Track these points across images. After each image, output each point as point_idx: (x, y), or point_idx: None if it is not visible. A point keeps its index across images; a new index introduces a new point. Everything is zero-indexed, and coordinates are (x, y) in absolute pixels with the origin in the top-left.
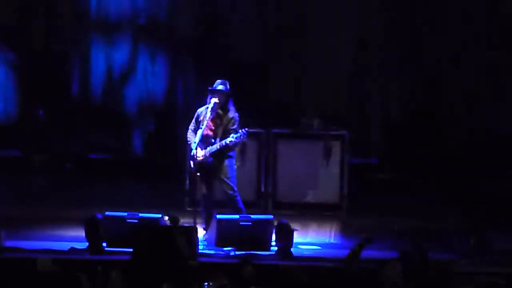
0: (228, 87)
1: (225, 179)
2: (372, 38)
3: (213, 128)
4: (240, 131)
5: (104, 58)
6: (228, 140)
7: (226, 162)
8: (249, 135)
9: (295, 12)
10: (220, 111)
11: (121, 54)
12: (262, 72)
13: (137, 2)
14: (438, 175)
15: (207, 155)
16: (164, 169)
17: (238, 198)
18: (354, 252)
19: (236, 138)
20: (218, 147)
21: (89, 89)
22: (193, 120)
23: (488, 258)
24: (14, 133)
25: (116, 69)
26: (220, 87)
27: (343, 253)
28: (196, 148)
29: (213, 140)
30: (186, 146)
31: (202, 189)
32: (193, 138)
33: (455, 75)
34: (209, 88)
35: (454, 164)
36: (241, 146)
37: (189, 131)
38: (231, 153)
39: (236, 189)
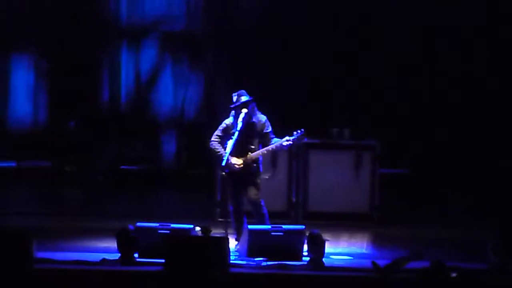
0: (247, 94)
1: (256, 183)
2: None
3: (246, 137)
4: (295, 132)
5: (133, 67)
6: (284, 142)
7: (260, 167)
8: None
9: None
10: (254, 119)
11: (150, 64)
12: (291, 81)
13: (169, 9)
14: (471, 184)
15: (250, 162)
16: (195, 179)
17: (263, 202)
18: (397, 263)
19: (292, 139)
20: (270, 149)
21: (119, 99)
22: (219, 131)
23: None
24: (46, 144)
25: (145, 79)
26: (243, 98)
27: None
28: (228, 159)
29: (252, 147)
30: (216, 156)
31: (233, 200)
32: (222, 149)
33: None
34: (231, 106)
35: (490, 174)
36: (272, 156)
37: (215, 141)
38: (260, 158)
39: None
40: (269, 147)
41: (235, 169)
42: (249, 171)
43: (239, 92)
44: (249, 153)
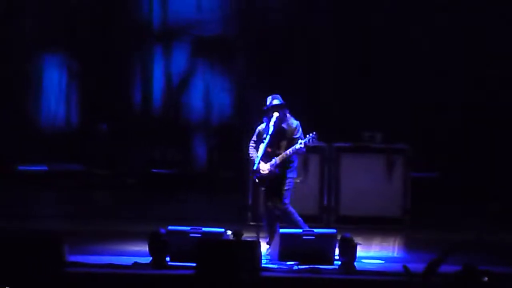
0: (281, 99)
1: (280, 190)
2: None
3: (276, 142)
4: (308, 135)
5: (165, 71)
6: (297, 146)
7: (288, 174)
8: (311, 149)
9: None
10: (284, 125)
11: (182, 67)
12: (324, 84)
13: (201, 13)
14: (502, 187)
15: (273, 167)
16: (227, 183)
17: (290, 209)
18: (432, 266)
19: (305, 142)
20: (288, 153)
21: (151, 102)
22: (254, 137)
23: None
24: (77, 146)
25: (177, 83)
26: (275, 101)
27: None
28: (259, 163)
29: (278, 152)
30: (248, 161)
31: (266, 203)
32: (255, 153)
33: None
34: (264, 108)
35: None
36: (304, 160)
37: (251, 147)
38: (292, 165)
39: (287, 201)
40: (285, 152)
41: (261, 175)
42: (273, 178)
43: (273, 95)
44: (273, 158)
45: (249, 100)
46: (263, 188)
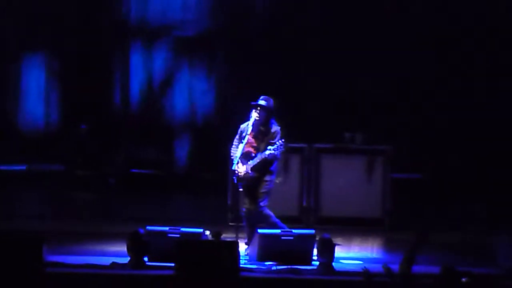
0: (271, 103)
1: (257, 192)
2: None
3: (254, 143)
4: (277, 142)
5: (146, 71)
6: (266, 152)
7: (266, 177)
8: (292, 150)
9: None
10: (262, 128)
11: (163, 67)
12: (305, 85)
13: (182, 13)
14: (483, 189)
15: (248, 169)
16: (206, 184)
17: (267, 212)
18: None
19: (274, 149)
20: (258, 160)
21: (131, 102)
22: (237, 136)
23: None
24: (57, 147)
25: (158, 83)
26: (262, 102)
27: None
28: (237, 163)
29: (253, 155)
30: (229, 161)
31: (244, 204)
32: (236, 153)
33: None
34: (251, 102)
35: (502, 180)
36: (284, 161)
37: (233, 146)
38: (272, 168)
39: (263, 204)
40: (256, 159)
41: (238, 175)
42: (249, 180)
43: (265, 96)
44: (250, 160)
45: (231, 101)
46: (240, 189)
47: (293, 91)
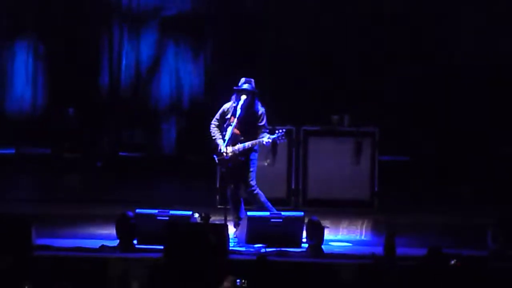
0: (253, 85)
1: (246, 174)
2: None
3: (241, 126)
4: (277, 131)
5: (134, 53)
6: (264, 140)
7: (251, 156)
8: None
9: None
10: (248, 110)
11: (151, 49)
12: (292, 68)
13: None
14: (471, 171)
15: (237, 152)
16: (194, 166)
17: (257, 191)
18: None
19: (273, 138)
20: (250, 145)
21: (119, 85)
22: (218, 115)
23: None
24: (45, 130)
25: (146, 65)
26: (245, 85)
27: (373, 250)
28: (227, 145)
29: (242, 138)
30: (211, 142)
31: (230, 186)
32: (218, 134)
33: None
34: (235, 87)
35: (490, 161)
36: (272, 143)
37: (213, 125)
38: (256, 147)
39: (253, 183)
40: (250, 142)
41: (225, 157)
42: (237, 163)
43: (246, 79)
44: (238, 143)
45: (219, 82)
46: (223, 170)
47: (281, 73)
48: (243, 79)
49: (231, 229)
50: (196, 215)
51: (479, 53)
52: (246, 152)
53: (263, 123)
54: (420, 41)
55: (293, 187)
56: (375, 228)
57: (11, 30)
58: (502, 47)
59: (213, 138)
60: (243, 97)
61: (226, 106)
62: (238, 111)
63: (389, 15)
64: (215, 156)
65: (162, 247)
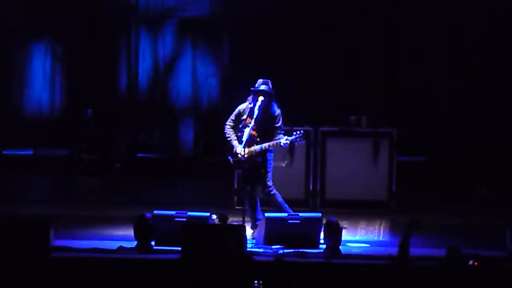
0: (270, 86)
1: (263, 174)
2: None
3: (258, 127)
4: (295, 133)
5: (151, 54)
6: (282, 141)
7: (267, 156)
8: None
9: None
10: (265, 111)
11: (168, 50)
12: (310, 69)
13: None
14: (490, 172)
15: (254, 153)
16: (213, 167)
17: (274, 191)
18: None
19: (292, 140)
20: (267, 146)
21: (137, 86)
22: (233, 116)
23: None
24: (63, 131)
25: (163, 66)
26: (263, 86)
27: (392, 250)
28: (244, 147)
29: (258, 139)
30: (226, 142)
31: (246, 187)
32: (233, 135)
33: None
34: (252, 88)
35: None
36: (289, 144)
37: (228, 126)
38: (271, 148)
39: (270, 183)
40: (267, 144)
41: (241, 159)
42: (253, 165)
43: (264, 80)
44: (254, 144)
45: (236, 83)
46: (239, 171)
47: (299, 74)
48: (260, 80)
49: (249, 231)
50: (214, 216)
51: None
52: (263, 153)
53: (279, 124)
54: None
55: (310, 188)
56: (393, 229)
57: (29, 32)
58: None
59: (228, 139)
60: (261, 98)
61: (242, 107)
62: (256, 112)
63: None
64: (229, 157)
65: (180, 248)
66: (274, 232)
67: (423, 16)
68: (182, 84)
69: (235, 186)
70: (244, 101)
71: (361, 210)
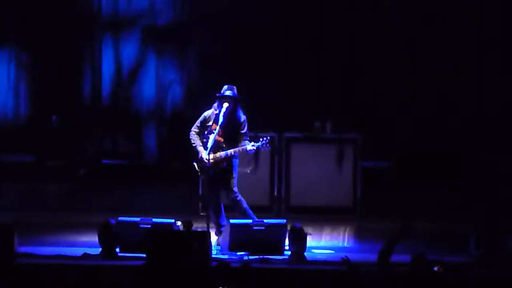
0: (236, 92)
1: (228, 180)
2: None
3: (224, 133)
4: (261, 139)
5: (115, 61)
6: (248, 147)
7: (232, 162)
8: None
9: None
10: (230, 117)
11: (132, 57)
12: (274, 75)
13: (151, 3)
14: (454, 178)
15: (220, 159)
16: (177, 174)
17: (240, 198)
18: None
19: (258, 146)
20: (233, 152)
21: (101, 93)
22: (198, 122)
23: (502, 260)
24: (27, 138)
25: (127, 73)
26: (228, 92)
27: (356, 256)
28: (209, 153)
29: (224, 145)
30: (191, 148)
31: (209, 193)
32: (198, 141)
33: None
34: (217, 94)
35: (474, 168)
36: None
37: (193, 133)
38: (236, 154)
39: (236, 189)
40: (233, 150)
41: (206, 164)
42: (218, 171)
43: (229, 86)
44: (220, 150)
45: (200, 90)
46: (204, 177)
47: (263, 80)
48: (225, 86)
49: (213, 237)
50: (179, 223)
51: None
52: (229, 159)
53: (244, 130)
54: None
55: (275, 194)
56: (358, 235)
57: None
58: None
59: (193, 145)
60: (225, 104)
61: (207, 113)
62: (221, 119)
63: None
64: (194, 163)
65: (144, 255)
66: (239, 239)
67: (382, 21)
68: (146, 90)
69: (200, 192)
70: (209, 108)
71: (326, 216)
